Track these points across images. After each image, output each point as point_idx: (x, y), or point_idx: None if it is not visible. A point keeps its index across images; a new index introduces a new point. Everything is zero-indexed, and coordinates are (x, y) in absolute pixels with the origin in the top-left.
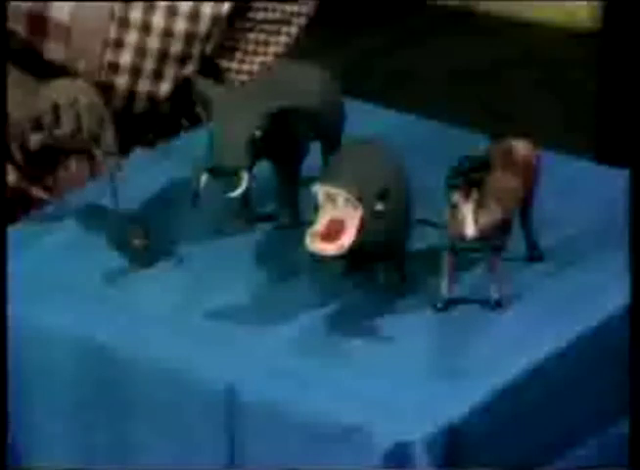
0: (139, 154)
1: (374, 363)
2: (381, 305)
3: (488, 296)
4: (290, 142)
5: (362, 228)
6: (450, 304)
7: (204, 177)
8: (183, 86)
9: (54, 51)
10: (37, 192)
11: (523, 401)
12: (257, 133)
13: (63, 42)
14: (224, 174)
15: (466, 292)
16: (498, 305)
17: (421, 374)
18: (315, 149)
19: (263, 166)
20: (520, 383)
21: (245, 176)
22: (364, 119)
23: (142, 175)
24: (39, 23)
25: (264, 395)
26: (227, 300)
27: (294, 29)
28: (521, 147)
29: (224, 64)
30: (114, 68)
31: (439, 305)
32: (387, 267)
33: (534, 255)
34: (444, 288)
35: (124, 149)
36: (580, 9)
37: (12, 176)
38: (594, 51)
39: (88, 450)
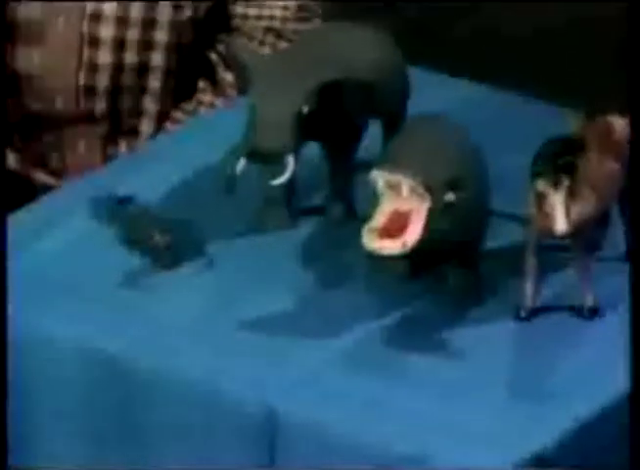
0: (162, 134)
1: (441, 382)
2: (451, 314)
3: (580, 303)
4: (343, 120)
5: (429, 223)
6: (534, 312)
7: (240, 162)
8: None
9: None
10: (41, 176)
11: (617, 427)
12: (304, 110)
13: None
14: (265, 159)
15: (553, 298)
16: (592, 313)
17: (498, 396)
18: (374, 128)
19: (311, 149)
20: (615, 406)
21: (289, 161)
22: (431, 92)
23: (165, 159)
24: None
25: (311, 418)
26: (267, 308)
27: None
28: (620, 125)
29: (239, 10)
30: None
31: (522, 314)
32: (458, 269)
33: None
34: (528, 294)
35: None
36: None
37: (10, 159)
38: None
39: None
